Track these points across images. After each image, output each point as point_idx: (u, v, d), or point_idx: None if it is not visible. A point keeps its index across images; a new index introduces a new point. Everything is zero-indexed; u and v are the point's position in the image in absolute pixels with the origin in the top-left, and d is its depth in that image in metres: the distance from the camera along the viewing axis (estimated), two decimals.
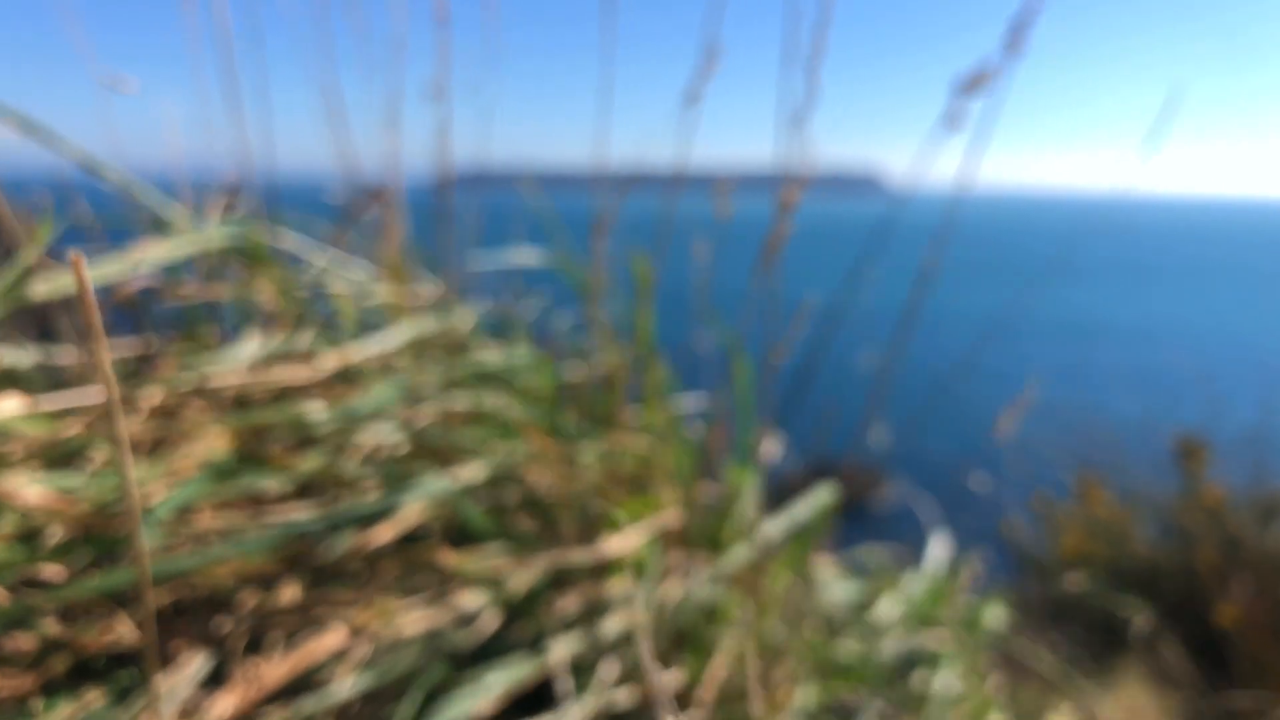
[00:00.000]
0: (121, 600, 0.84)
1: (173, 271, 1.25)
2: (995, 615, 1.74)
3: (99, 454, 0.92)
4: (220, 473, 0.89)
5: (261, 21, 1.39)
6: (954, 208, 1.05)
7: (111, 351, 1.23)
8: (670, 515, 1.15)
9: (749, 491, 1.30)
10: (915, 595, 1.51)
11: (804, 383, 1.22)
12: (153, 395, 1.03)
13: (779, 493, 1.46)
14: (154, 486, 0.86)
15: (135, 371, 1.18)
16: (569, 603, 1.00)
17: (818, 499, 1.35)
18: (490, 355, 1.33)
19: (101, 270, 1.00)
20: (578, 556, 1.02)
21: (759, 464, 1.29)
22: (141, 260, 1.10)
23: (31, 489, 0.82)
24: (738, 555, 1.17)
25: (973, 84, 0.79)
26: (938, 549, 1.83)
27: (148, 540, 0.81)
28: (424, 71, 1.49)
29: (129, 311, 1.25)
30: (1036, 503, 3.90)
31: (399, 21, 1.42)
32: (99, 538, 0.83)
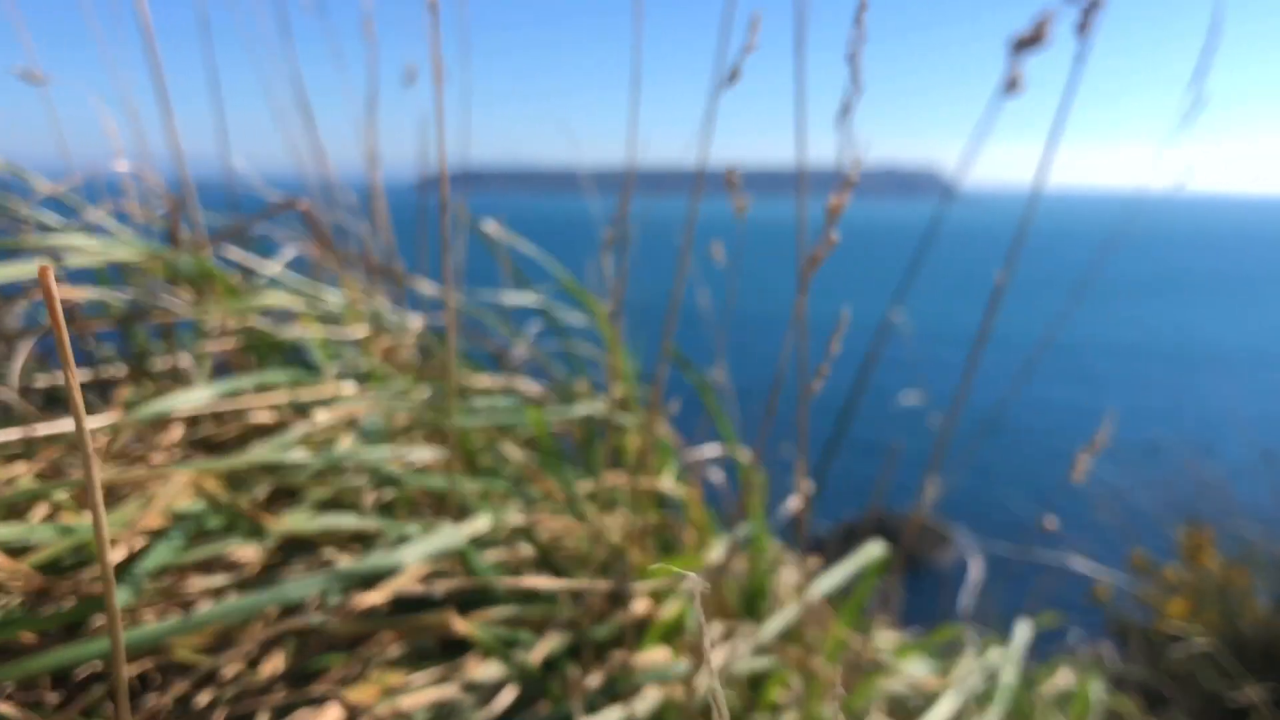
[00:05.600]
0: (83, 675, 0.86)
1: (102, 286, 1.28)
2: (1091, 693, 1.74)
3: (45, 502, 0.94)
4: (193, 526, 0.91)
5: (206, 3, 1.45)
6: (1027, 210, 1.06)
7: (40, 383, 1.26)
8: (707, 574, 1.17)
9: (780, 550, 1.32)
10: (994, 672, 1.52)
11: (846, 419, 1.22)
12: (107, 434, 1.06)
13: (825, 551, 1.49)
14: (117, 539, 0.88)
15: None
16: (595, 677, 1.02)
17: (864, 556, 1.37)
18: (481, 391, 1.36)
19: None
20: (603, 630, 1.04)
21: (797, 518, 1.30)
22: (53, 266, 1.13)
23: None
24: (778, 622, 1.18)
25: (1029, 40, 0.79)
26: (1020, 631, 1.82)
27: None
28: (395, 54, 1.54)
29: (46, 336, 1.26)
30: (1136, 561, 3.88)
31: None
32: (55, 601, 0.85)
